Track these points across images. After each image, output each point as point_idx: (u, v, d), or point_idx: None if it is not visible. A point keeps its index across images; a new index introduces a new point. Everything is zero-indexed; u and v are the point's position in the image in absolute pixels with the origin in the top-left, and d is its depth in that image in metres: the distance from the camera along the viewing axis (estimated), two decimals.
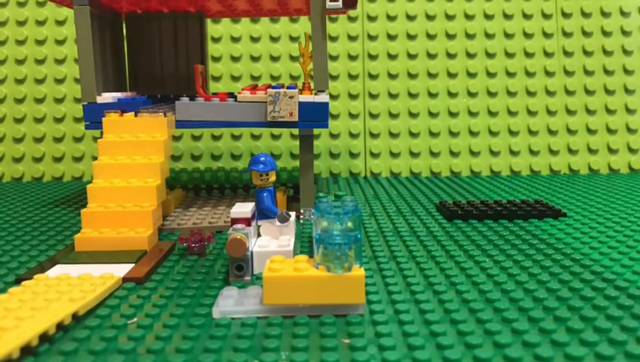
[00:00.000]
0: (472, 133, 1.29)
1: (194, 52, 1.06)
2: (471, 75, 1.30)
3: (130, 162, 0.73)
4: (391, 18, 1.30)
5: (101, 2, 0.90)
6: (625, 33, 1.31)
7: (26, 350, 0.43)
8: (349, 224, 0.50)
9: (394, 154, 1.28)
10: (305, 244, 0.73)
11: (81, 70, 0.85)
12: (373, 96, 1.30)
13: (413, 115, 1.29)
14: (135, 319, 0.49)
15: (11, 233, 0.80)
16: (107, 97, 0.88)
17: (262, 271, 0.59)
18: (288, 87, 0.82)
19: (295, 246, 0.66)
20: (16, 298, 0.51)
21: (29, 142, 1.28)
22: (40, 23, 1.29)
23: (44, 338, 0.45)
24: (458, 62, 1.30)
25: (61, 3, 0.91)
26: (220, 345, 0.44)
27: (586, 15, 1.31)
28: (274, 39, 1.30)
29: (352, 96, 1.30)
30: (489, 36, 1.30)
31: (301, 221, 0.84)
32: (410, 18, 1.30)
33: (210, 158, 1.28)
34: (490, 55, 1.30)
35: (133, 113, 0.79)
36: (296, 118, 0.82)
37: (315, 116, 0.82)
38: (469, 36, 1.30)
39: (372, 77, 1.30)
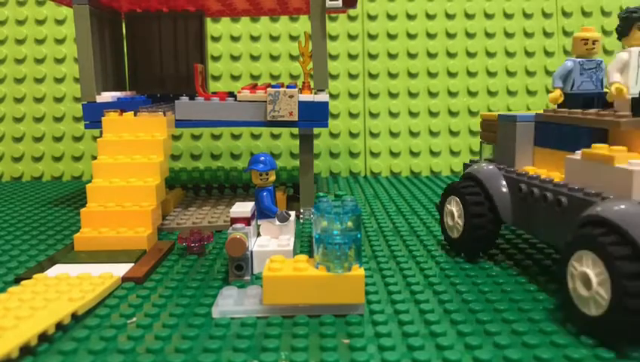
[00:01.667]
0: (473, 133, 1.28)
1: (193, 51, 1.06)
2: (471, 74, 1.30)
3: (129, 161, 0.73)
4: (391, 17, 1.30)
5: (101, 1, 0.90)
6: None
7: (26, 349, 0.43)
8: (349, 224, 0.50)
9: (394, 154, 1.28)
10: (305, 244, 0.73)
11: (80, 69, 0.85)
12: (373, 96, 1.29)
13: (413, 115, 1.29)
14: (134, 319, 0.49)
15: (10, 232, 0.80)
16: (107, 96, 0.88)
17: (261, 270, 0.59)
18: (288, 87, 0.82)
19: (295, 246, 0.66)
20: (15, 297, 0.51)
21: (29, 142, 1.28)
22: (39, 22, 1.29)
23: (43, 337, 0.45)
24: (458, 61, 1.30)
25: (61, 2, 0.91)
26: (220, 345, 0.44)
27: (586, 14, 1.31)
28: (274, 38, 1.30)
29: (352, 96, 1.30)
30: (489, 35, 1.30)
31: (301, 220, 0.84)
32: (411, 17, 1.30)
33: (209, 158, 1.28)
34: (490, 54, 1.30)
35: (132, 112, 0.79)
36: (296, 118, 0.82)
37: (314, 115, 0.82)
38: (470, 35, 1.30)
39: (372, 76, 1.30)
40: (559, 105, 0.64)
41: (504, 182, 0.63)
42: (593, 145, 0.53)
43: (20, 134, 1.27)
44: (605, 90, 0.60)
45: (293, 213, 0.68)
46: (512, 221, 0.62)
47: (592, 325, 0.44)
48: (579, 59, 0.64)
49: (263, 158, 0.66)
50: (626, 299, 0.41)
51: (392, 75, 1.29)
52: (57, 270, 0.60)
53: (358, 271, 0.49)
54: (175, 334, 0.47)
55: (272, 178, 0.66)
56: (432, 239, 0.73)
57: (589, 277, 0.44)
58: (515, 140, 0.64)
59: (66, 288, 0.53)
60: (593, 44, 0.63)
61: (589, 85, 0.63)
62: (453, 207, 0.66)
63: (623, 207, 0.45)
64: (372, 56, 1.30)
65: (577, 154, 0.54)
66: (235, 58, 1.29)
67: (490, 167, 0.65)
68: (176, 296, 0.55)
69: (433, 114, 1.29)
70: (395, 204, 0.95)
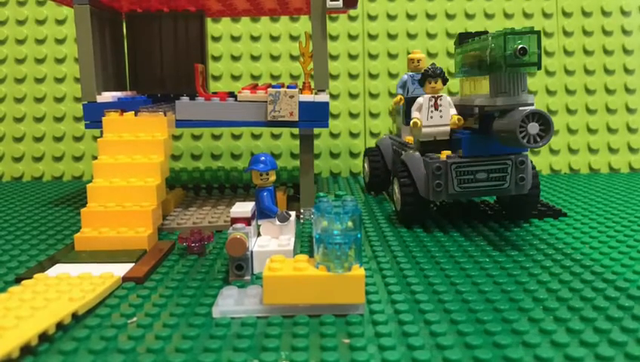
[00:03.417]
0: None
1: (194, 51, 1.06)
2: None
3: (130, 161, 0.73)
4: (391, 17, 1.30)
5: (101, 1, 0.90)
6: (625, 32, 1.31)
7: (26, 349, 0.43)
8: (349, 223, 0.50)
9: None
10: (305, 244, 0.73)
11: (81, 69, 0.85)
12: (373, 96, 1.29)
13: None
14: (135, 318, 0.49)
15: (11, 232, 0.80)
16: (107, 96, 0.88)
17: (262, 270, 0.59)
18: (288, 87, 0.82)
19: (295, 246, 0.66)
20: (16, 297, 0.51)
21: (29, 142, 1.28)
22: (40, 22, 1.29)
23: (43, 337, 0.45)
24: None
25: (61, 2, 0.91)
26: (220, 345, 0.44)
27: (586, 14, 1.31)
28: (274, 38, 1.30)
29: (353, 96, 1.30)
30: None
31: (301, 220, 0.84)
32: (411, 17, 1.30)
33: (210, 158, 1.28)
34: None
35: (133, 112, 0.79)
36: (296, 118, 0.82)
37: (315, 116, 0.82)
38: None
39: (372, 76, 1.30)
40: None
41: (390, 146, 0.99)
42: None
43: (20, 134, 1.27)
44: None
45: (293, 213, 0.69)
46: (391, 167, 0.97)
47: (397, 215, 0.82)
48: (411, 73, 0.91)
49: (263, 158, 0.66)
50: (403, 206, 0.78)
51: (393, 75, 1.29)
52: (58, 270, 0.60)
53: (359, 271, 0.49)
54: (175, 334, 0.47)
55: (273, 178, 0.66)
56: (432, 239, 0.73)
57: (396, 191, 0.82)
58: (401, 123, 0.98)
59: (67, 288, 0.53)
60: (418, 62, 0.93)
61: (419, 91, 0.89)
62: (366, 162, 1.06)
63: (409, 153, 0.80)
64: (372, 57, 1.30)
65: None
66: (235, 58, 1.29)
67: (386, 138, 1.03)
68: (176, 295, 0.55)
69: None
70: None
